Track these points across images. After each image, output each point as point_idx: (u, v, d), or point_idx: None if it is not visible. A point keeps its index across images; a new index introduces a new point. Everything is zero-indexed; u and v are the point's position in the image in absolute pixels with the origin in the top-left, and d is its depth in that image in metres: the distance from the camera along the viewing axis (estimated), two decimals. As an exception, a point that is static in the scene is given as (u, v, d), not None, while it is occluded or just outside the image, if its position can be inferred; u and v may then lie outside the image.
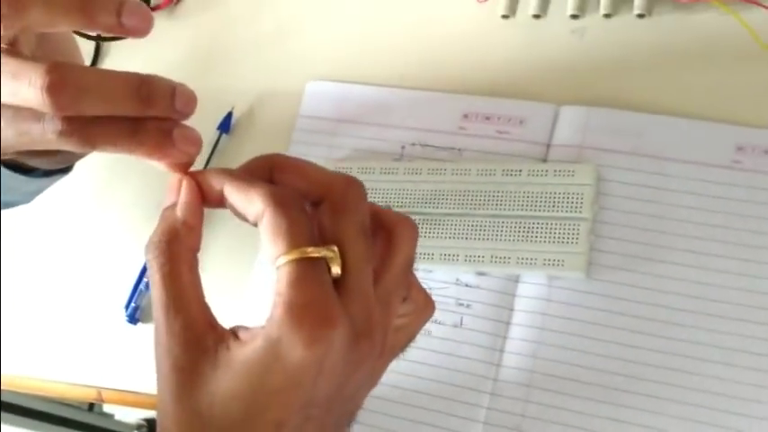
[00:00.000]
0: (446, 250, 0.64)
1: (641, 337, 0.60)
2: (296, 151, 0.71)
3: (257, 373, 0.40)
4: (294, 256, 0.40)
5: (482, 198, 0.65)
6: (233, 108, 0.74)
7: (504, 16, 0.69)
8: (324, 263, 0.41)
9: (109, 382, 0.70)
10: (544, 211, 0.63)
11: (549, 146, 0.65)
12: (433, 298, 0.49)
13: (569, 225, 0.62)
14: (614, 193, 0.63)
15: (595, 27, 0.68)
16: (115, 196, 0.77)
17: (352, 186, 0.43)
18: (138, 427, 1.39)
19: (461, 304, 0.64)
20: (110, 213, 0.75)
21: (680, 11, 0.66)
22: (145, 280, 0.70)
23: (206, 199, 0.43)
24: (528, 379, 0.61)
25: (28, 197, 0.66)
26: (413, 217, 0.62)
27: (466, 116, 0.68)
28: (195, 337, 0.41)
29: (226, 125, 0.74)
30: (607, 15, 0.67)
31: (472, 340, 0.62)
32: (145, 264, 0.69)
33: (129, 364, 0.70)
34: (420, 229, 0.62)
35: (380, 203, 0.62)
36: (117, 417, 1.39)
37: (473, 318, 0.63)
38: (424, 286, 0.48)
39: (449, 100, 0.69)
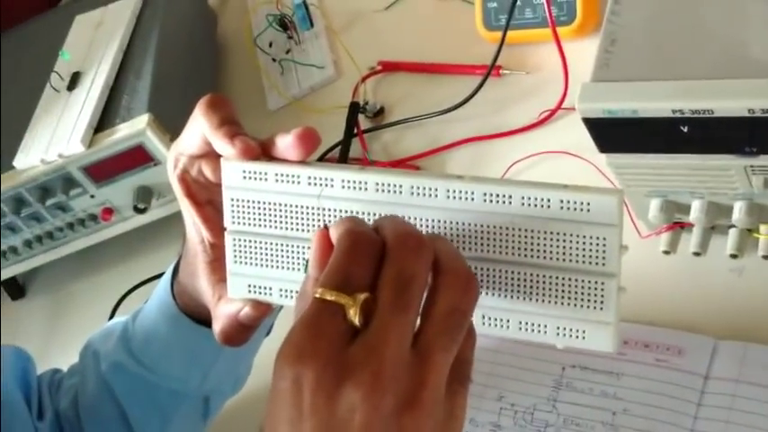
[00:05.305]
0: None
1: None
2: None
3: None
4: (317, 294, 0.41)
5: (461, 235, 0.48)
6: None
7: (666, 252, 0.74)
8: (339, 309, 0.41)
9: None
10: (549, 258, 0.47)
11: (706, 378, 0.68)
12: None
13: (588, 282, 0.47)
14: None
15: (753, 267, 0.71)
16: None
17: (401, 239, 0.43)
18: None
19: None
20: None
21: (837, 256, 0.69)
22: None
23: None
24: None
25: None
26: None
27: (626, 342, 0.72)
28: None
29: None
30: (765, 257, 0.70)
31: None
32: None
33: None
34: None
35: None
36: None
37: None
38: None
39: (610, 326, 0.72)
